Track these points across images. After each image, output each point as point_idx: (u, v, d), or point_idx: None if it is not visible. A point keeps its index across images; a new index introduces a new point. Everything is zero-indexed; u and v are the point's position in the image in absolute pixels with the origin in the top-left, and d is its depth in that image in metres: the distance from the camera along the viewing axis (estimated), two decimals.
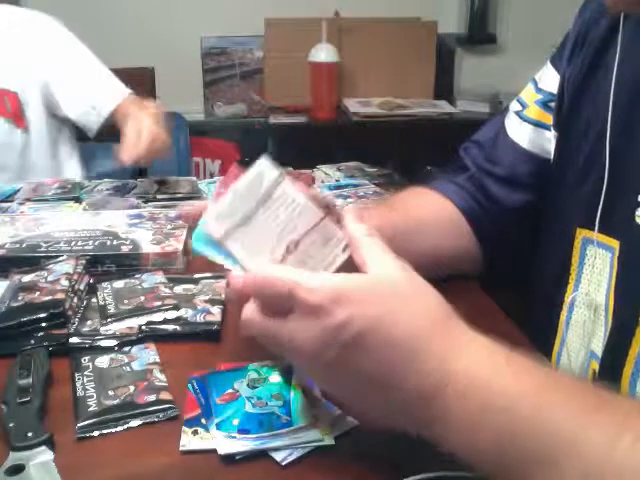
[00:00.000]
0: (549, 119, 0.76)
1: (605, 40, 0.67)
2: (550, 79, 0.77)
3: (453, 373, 0.43)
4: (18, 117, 1.45)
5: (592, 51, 0.69)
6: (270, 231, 0.50)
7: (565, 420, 0.40)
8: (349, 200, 1.03)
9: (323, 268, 0.49)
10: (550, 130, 0.75)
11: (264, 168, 0.50)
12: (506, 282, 0.86)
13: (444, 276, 0.73)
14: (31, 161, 1.48)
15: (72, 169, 1.56)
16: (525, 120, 0.78)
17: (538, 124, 0.77)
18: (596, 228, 0.64)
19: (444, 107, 2.42)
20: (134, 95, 1.51)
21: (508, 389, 0.42)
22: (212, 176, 2.41)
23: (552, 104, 0.76)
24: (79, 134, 1.58)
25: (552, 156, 0.75)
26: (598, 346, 0.64)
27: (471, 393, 0.42)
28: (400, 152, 2.20)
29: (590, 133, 0.67)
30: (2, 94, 1.45)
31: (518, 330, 0.70)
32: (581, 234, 0.67)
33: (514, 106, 0.82)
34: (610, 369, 0.62)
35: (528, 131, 0.78)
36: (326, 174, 1.22)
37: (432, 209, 0.81)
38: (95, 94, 1.47)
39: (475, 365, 0.43)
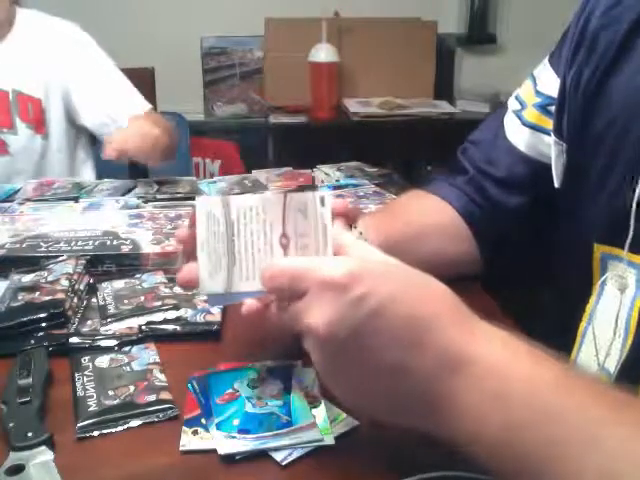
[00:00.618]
0: (548, 123, 0.74)
1: (622, 46, 0.65)
2: (549, 81, 0.75)
3: (473, 355, 0.43)
4: (39, 123, 1.48)
5: (607, 57, 0.66)
6: (258, 247, 0.50)
7: (585, 413, 0.40)
8: (349, 200, 1.03)
9: (322, 236, 0.50)
10: (550, 135, 0.73)
11: (207, 206, 0.50)
12: (506, 283, 0.86)
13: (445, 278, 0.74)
14: (48, 166, 1.50)
15: (86, 174, 1.58)
16: (523, 123, 0.78)
17: (536, 128, 0.76)
18: (626, 247, 0.61)
19: (444, 107, 2.42)
20: (154, 111, 1.55)
21: (527, 377, 0.42)
22: (212, 176, 2.40)
23: (551, 108, 0.74)
24: (93, 139, 1.60)
25: (552, 162, 0.73)
26: (611, 364, 0.63)
27: (490, 375, 0.42)
28: (400, 152, 2.21)
29: (605, 143, 0.65)
30: (26, 100, 1.48)
31: (522, 333, 0.70)
32: (599, 250, 0.65)
33: (513, 104, 0.80)
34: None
35: (526, 135, 0.77)
36: (326, 174, 1.22)
37: (432, 214, 0.81)
38: (115, 106, 1.50)
39: (495, 351, 0.43)
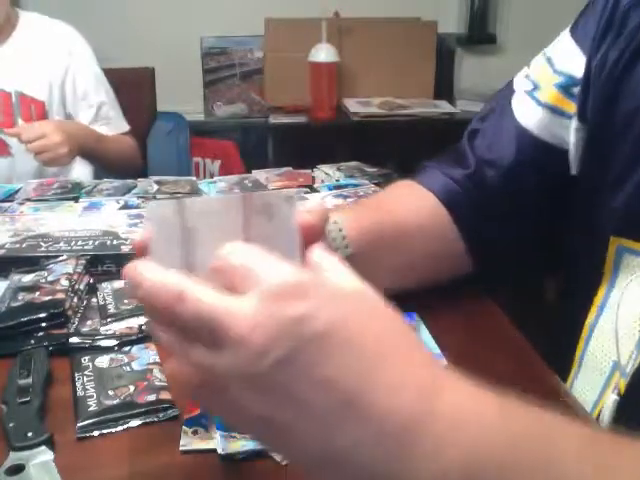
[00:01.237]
0: (570, 106, 0.68)
1: None
2: (572, 57, 0.69)
3: (439, 403, 0.36)
4: None
5: (636, 39, 0.61)
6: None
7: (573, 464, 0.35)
8: (349, 200, 1.03)
9: (289, 240, 0.43)
10: (569, 119, 0.68)
11: (159, 210, 0.43)
12: (506, 281, 0.84)
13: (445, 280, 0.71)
14: (49, 167, 1.51)
15: (85, 174, 1.60)
16: (538, 103, 0.71)
17: (554, 110, 0.70)
18: None
19: (444, 107, 2.42)
20: (128, 134, 1.66)
21: (499, 425, 0.36)
22: (212, 176, 2.41)
23: (574, 89, 0.68)
24: None
25: (571, 147, 0.68)
26: (625, 358, 0.61)
27: (458, 426, 0.35)
28: (400, 152, 2.20)
29: (632, 130, 0.60)
30: (29, 102, 1.51)
31: (532, 348, 0.67)
32: (616, 242, 0.62)
33: (524, 84, 0.74)
34: None
35: (540, 115, 0.71)
36: (326, 174, 1.22)
37: (415, 209, 0.73)
38: (94, 124, 1.60)
39: (463, 399, 0.37)
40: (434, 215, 0.73)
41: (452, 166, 0.76)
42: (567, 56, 0.70)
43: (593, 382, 0.64)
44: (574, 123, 0.68)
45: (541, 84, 0.72)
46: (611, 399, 0.60)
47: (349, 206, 0.70)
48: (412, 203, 0.74)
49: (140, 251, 0.45)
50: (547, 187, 0.73)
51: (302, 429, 0.35)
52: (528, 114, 0.72)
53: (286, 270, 0.37)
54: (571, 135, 0.68)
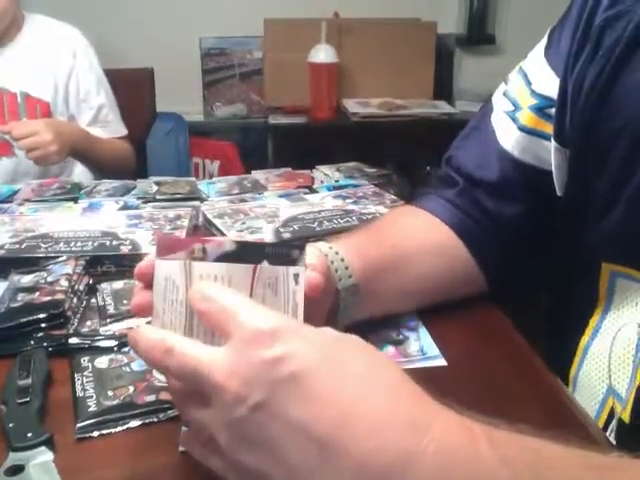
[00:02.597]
0: (547, 127, 0.68)
1: (631, 43, 0.58)
2: (547, 80, 0.68)
3: (429, 439, 0.35)
4: None
5: (614, 56, 0.59)
6: None
7: None
8: (348, 200, 1.03)
9: (291, 316, 0.44)
10: (549, 140, 0.67)
11: (165, 270, 0.44)
12: (513, 295, 0.82)
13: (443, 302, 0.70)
14: (52, 167, 1.53)
15: (85, 175, 1.61)
16: (518, 126, 0.70)
17: (534, 133, 0.69)
18: None
19: (443, 107, 2.42)
20: (124, 138, 1.68)
21: (493, 458, 0.35)
22: (211, 176, 2.41)
23: (550, 111, 0.67)
24: None
25: (553, 169, 0.67)
26: (621, 384, 0.60)
27: (451, 462, 0.35)
28: (399, 152, 2.21)
29: (616, 151, 0.59)
30: (34, 102, 1.53)
31: (532, 350, 0.66)
32: (608, 268, 0.61)
33: (503, 104, 0.73)
34: None
35: (521, 139, 0.70)
36: (325, 174, 1.22)
37: (423, 233, 0.72)
38: (92, 127, 1.62)
39: (453, 434, 0.36)
40: (438, 236, 0.72)
41: (442, 189, 0.76)
42: (542, 78, 0.69)
43: (588, 404, 0.63)
44: (553, 144, 0.67)
45: (520, 104, 0.71)
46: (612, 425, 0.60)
47: (350, 234, 0.69)
48: (415, 226, 0.73)
49: (143, 278, 0.47)
50: (537, 208, 0.71)
51: (281, 476, 0.36)
52: (509, 137, 0.71)
53: (263, 316, 0.38)
54: (552, 156, 0.67)
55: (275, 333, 0.37)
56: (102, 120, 1.63)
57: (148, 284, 0.45)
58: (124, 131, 1.68)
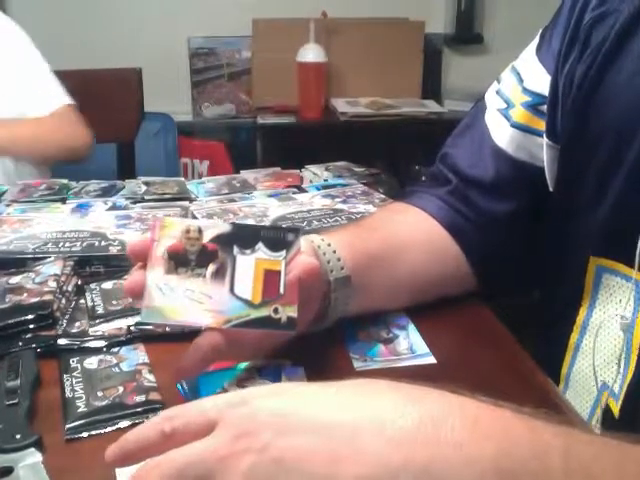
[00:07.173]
0: (540, 124, 0.69)
1: (618, 42, 0.59)
2: (539, 78, 0.69)
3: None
4: None
5: (602, 54, 0.60)
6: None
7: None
8: (337, 200, 1.03)
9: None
10: (542, 137, 0.68)
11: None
12: (502, 292, 0.82)
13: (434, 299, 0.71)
14: (20, 165, 1.48)
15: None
16: (512, 124, 0.71)
17: (527, 129, 0.70)
18: (636, 266, 0.56)
19: (432, 107, 2.43)
20: (72, 107, 1.50)
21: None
22: (200, 176, 2.40)
23: (542, 107, 0.68)
24: None
25: (545, 165, 0.68)
26: (613, 379, 0.60)
27: None
28: (388, 151, 2.21)
29: (604, 145, 0.60)
30: None
31: (521, 347, 0.66)
32: (595, 262, 0.61)
33: (496, 102, 0.74)
34: (634, 409, 0.57)
35: (515, 136, 0.71)
36: (314, 174, 1.22)
37: (414, 229, 0.73)
38: (24, 100, 1.47)
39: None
40: (429, 233, 0.73)
41: (434, 187, 0.76)
42: (534, 75, 0.70)
43: (581, 401, 0.64)
44: (545, 140, 0.68)
45: (513, 101, 0.72)
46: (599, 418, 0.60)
47: (342, 228, 0.70)
48: (406, 222, 0.74)
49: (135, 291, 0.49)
50: (529, 204, 0.72)
51: None
52: (503, 134, 0.72)
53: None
54: (544, 152, 0.68)
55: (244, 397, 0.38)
56: (45, 97, 1.48)
57: (142, 262, 0.47)
58: (66, 100, 1.49)
